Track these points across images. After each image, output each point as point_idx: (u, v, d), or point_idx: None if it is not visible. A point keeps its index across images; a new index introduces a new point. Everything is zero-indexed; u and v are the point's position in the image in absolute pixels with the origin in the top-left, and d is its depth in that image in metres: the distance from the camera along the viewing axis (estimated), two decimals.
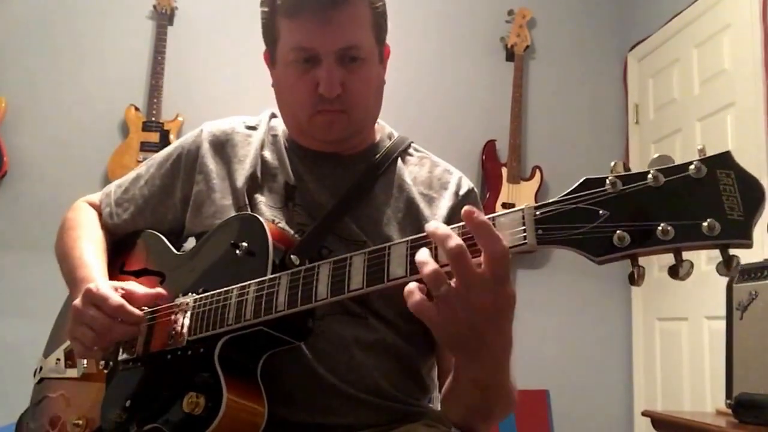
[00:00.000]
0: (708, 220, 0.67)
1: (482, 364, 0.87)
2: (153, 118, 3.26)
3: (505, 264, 0.77)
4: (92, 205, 1.39)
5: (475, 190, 1.28)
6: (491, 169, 3.54)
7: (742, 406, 1.68)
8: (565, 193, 0.76)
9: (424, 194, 1.22)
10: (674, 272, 0.70)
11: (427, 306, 0.80)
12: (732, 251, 0.68)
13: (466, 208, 0.78)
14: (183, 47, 3.41)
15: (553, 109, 3.76)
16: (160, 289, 1.12)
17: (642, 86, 3.69)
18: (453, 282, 0.79)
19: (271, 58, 1.21)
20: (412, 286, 0.81)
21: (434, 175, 1.26)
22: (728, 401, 1.77)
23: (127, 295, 1.09)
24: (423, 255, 0.80)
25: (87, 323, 1.06)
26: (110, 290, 1.08)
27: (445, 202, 1.22)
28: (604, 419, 3.50)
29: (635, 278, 0.72)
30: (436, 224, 0.81)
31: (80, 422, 1.14)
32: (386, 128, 1.32)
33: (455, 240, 0.78)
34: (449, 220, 1.19)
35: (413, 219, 1.19)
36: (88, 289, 1.08)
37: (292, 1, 1.10)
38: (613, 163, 0.74)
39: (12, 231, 3.15)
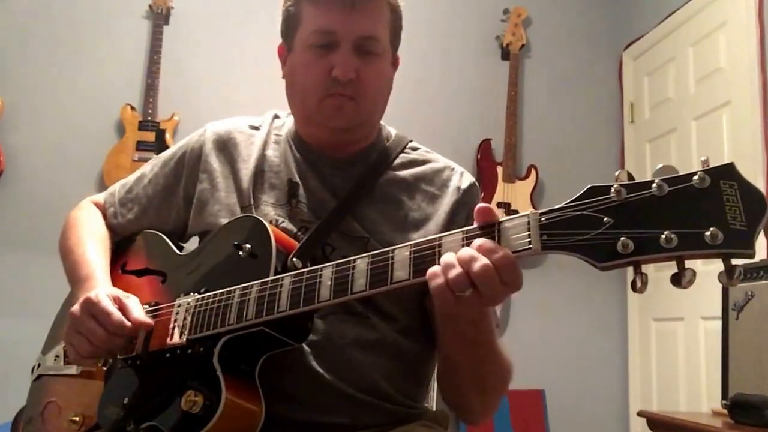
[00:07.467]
0: (711, 229, 0.68)
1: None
2: (149, 118, 3.26)
3: (512, 270, 0.82)
4: (97, 204, 1.39)
5: (477, 184, 1.28)
6: (486, 169, 3.55)
7: (737, 407, 1.69)
8: (570, 200, 0.77)
9: (425, 191, 1.23)
10: (677, 280, 0.71)
11: (449, 297, 0.83)
12: (734, 261, 0.68)
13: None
14: (179, 47, 3.41)
15: (549, 108, 3.77)
16: (150, 322, 1.08)
17: (637, 85, 3.69)
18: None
19: (287, 49, 1.23)
20: (437, 269, 0.84)
21: (435, 171, 1.26)
22: (724, 402, 1.79)
23: (122, 310, 1.05)
24: (449, 258, 0.83)
25: (84, 334, 1.05)
26: (111, 305, 1.05)
27: (447, 199, 1.22)
28: (599, 419, 3.51)
29: (638, 286, 0.74)
30: (466, 250, 0.84)
31: (77, 419, 1.13)
32: (385, 128, 1.33)
33: (481, 261, 0.81)
34: (451, 216, 1.20)
35: (414, 218, 1.20)
36: (89, 299, 1.06)
37: None
38: (617, 172, 0.75)
39: (8, 230, 3.14)
